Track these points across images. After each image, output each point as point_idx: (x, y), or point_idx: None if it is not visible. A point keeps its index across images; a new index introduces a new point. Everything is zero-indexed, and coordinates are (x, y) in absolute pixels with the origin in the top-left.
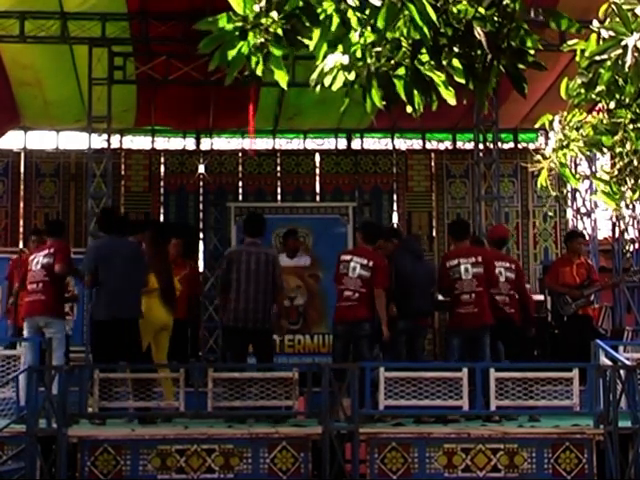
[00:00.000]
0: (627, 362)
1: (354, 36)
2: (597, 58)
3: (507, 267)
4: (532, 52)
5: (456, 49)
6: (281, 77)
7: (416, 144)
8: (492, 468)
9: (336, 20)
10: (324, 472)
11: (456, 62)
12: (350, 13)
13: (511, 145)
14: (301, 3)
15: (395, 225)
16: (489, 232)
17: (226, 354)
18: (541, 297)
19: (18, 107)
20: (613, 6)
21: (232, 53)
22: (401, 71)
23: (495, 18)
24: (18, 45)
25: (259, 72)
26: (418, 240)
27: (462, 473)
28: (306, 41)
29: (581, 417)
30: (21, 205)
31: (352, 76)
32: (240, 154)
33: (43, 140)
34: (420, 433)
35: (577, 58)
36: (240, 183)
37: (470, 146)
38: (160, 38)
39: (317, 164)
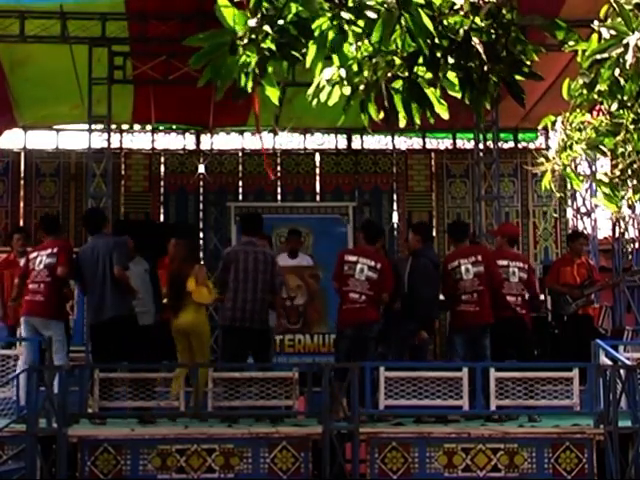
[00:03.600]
0: (627, 362)
1: (350, 50)
2: (598, 57)
3: (521, 267)
4: (528, 62)
5: (452, 60)
6: (272, 94)
7: (416, 144)
8: (492, 468)
9: (331, 35)
10: (324, 472)
11: (452, 74)
12: (345, 26)
13: (511, 145)
14: (294, 17)
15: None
16: (501, 230)
17: (224, 353)
18: (541, 297)
19: (16, 105)
20: (614, 5)
21: (222, 69)
22: (398, 84)
23: (492, 30)
24: (17, 44)
25: (249, 89)
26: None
27: (462, 473)
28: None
29: (581, 417)
30: (21, 205)
31: (348, 90)
32: (240, 154)
33: (43, 140)
34: (420, 433)
35: (578, 59)
36: (240, 183)
37: (470, 146)
38: (160, 38)
39: (317, 164)
